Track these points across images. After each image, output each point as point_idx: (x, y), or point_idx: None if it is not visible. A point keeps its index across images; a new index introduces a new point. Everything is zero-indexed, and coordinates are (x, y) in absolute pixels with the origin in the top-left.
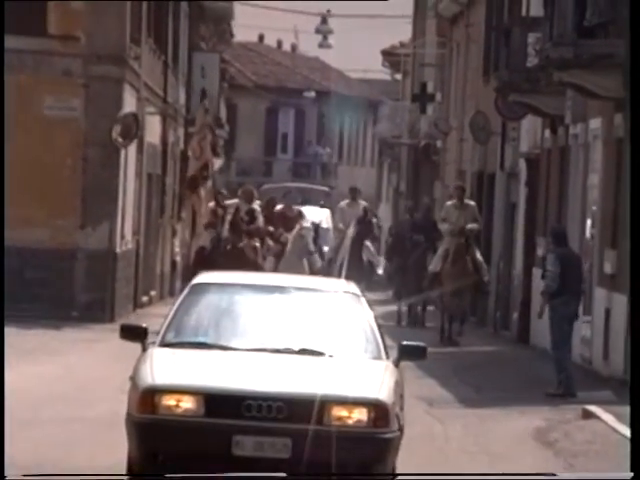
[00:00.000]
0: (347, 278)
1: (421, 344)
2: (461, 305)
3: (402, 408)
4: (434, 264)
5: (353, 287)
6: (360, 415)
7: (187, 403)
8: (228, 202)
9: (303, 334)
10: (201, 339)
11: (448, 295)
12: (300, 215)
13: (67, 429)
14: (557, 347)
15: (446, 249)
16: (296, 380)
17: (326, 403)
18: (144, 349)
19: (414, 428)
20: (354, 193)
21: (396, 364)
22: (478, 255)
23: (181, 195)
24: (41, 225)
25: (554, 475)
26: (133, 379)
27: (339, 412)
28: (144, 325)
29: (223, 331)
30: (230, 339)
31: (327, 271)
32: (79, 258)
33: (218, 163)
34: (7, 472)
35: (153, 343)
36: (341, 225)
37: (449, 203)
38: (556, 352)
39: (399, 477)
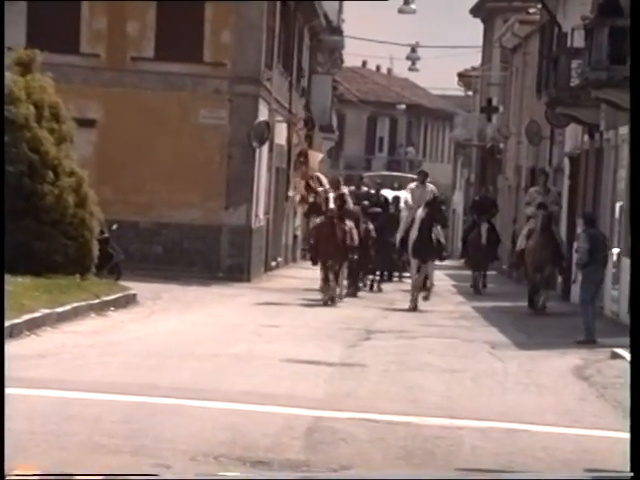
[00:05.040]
0: (415, 255)
1: None
2: (544, 278)
3: None
4: (519, 242)
5: None
6: None
7: None
8: (319, 188)
9: None
10: None
11: (532, 269)
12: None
13: (216, 362)
14: (584, 305)
15: (530, 229)
16: None
17: None
18: None
19: (480, 365)
20: (423, 176)
21: None
22: (558, 235)
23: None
24: (195, 207)
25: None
26: None
27: None
28: None
29: None
30: None
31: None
32: (224, 232)
33: (320, 156)
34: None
35: None
36: (411, 202)
37: (533, 189)
38: (583, 308)
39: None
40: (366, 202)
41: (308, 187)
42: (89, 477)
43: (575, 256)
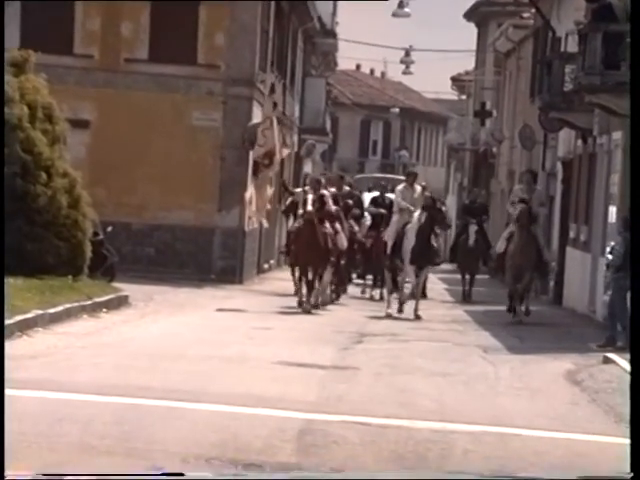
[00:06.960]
0: (413, 261)
1: None
2: (523, 284)
3: None
4: (499, 245)
5: None
6: None
7: None
8: (296, 190)
9: None
10: None
11: (510, 275)
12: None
13: (207, 364)
14: (614, 312)
15: (510, 231)
16: None
17: None
18: None
19: (472, 369)
20: (412, 177)
21: None
22: (540, 238)
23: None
24: (188, 209)
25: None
26: None
27: None
28: None
29: None
30: None
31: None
32: (216, 234)
33: (286, 152)
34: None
35: None
36: (404, 204)
37: (517, 187)
38: (621, 314)
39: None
40: (350, 201)
41: (285, 189)
42: (80, 477)
43: (609, 258)
